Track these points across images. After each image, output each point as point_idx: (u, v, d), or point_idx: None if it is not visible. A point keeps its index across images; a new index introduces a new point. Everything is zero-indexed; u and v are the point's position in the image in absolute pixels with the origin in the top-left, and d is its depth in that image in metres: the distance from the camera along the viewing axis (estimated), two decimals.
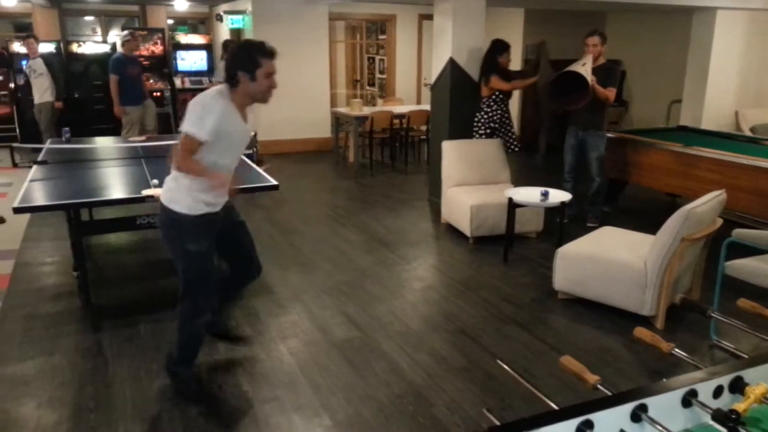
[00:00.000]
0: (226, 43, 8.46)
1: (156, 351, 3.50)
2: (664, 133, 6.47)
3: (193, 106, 2.70)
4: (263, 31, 9.19)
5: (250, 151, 5.19)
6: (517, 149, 6.19)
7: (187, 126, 2.69)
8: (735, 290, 3.64)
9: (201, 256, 2.93)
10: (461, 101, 6.26)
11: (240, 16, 9.74)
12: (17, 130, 9.55)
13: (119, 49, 10.48)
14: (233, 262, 3.30)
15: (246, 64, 2.72)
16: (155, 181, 4.02)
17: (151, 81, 10.40)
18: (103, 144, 5.75)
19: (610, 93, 5.46)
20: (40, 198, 3.79)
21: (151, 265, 4.89)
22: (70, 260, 4.67)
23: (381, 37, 11.58)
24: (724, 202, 3.99)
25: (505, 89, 5.95)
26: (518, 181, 6.07)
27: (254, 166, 4.74)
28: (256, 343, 3.60)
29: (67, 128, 5.65)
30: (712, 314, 1.89)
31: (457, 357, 3.48)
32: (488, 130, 6.02)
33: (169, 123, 10.46)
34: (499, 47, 5.96)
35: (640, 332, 1.73)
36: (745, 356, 1.59)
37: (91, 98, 10.06)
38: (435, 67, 6.48)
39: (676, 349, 1.62)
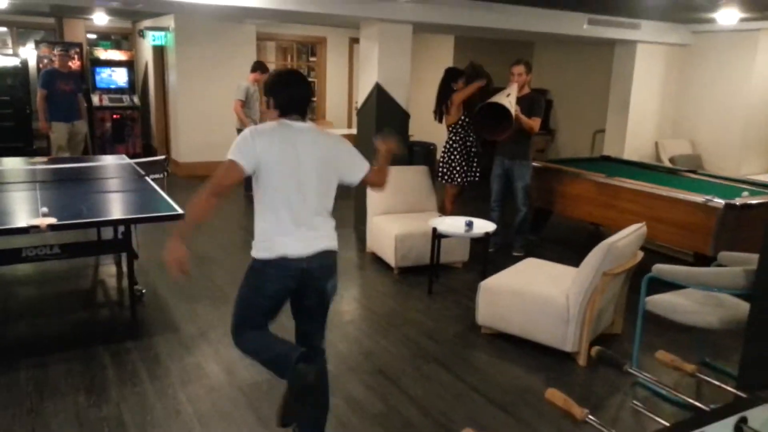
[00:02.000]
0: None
1: (38, 401, 3.11)
2: (588, 162, 6.52)
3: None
4: (186, 49, 8.86)
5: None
6: (477, 179, 6.01)
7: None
8: (659, 324, 3.61)
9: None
10: (387, 126, 6.09)
11: (162, 33, 9.35)
12: None
13: (32, 62, 9.95)
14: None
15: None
16: (44, 209, 3.66)
17: None
18: None
19: (535, 123, 5.44)
20: None
21: (44, 301, 4.45)
22: None
23: (312, 59, 11.41)
24: (645, 235, 3.97)
25: (459, 98, 5.78)
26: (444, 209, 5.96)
27: (161, 192, 4.41)
28: (151, 391, 3.26)
29: None
30: (629, 370, 1.75)
31: (374, 401, 3.26)
32: (460, 156, 5.84)
33: (84, 141, 9.89)
34: (453, 74, 5.87)
35: (552, 395, 1.56)
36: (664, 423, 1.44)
37: None
38: (362, 92, 6.33)
39: (590, 416, 1.45)
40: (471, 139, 5.84)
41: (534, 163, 5.91)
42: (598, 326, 3.89)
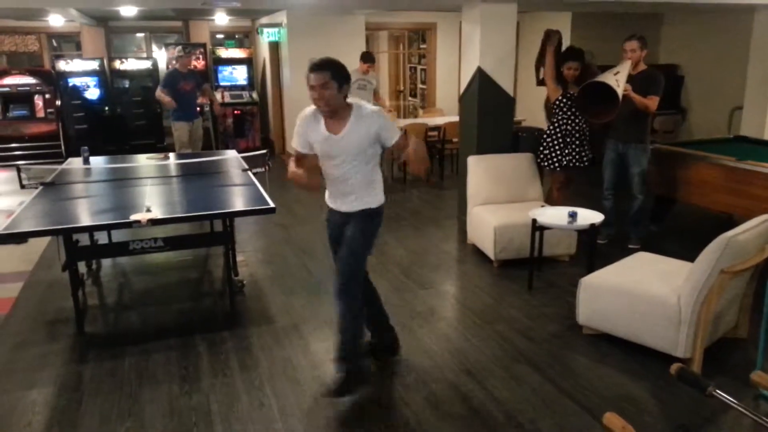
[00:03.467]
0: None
1: (137, 387, 3.29)
2: (718, 144, 5.86)
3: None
4: (298, 43, 9.06)
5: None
6: (587, 163, 5.50)
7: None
8: None
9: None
10: (490, 113, 5.86)
11: (276, 29, 9.65)
12: (62, 147, 9.77)
13: (162, 65, 10.67)
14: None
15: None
16: (148, 205, 3.87)
17: None
18: (114, 164, 5.61)
19: (651, 102, 4.96)
20: (27, 223, 3.68)
21: (153, 291, 4.73)
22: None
23: (422, 46, 11.27)
24: None
25: (546, 73, 5.41)
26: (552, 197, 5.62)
27: (258, 186, 4.50)
28: (239, 382, 3.34)
29: (86, 147, 5.59)
30: (714, 393, 1.49)
31: (456, 402, 3.11)
32: (556, 140, 5.43)
33: (209, 138, 10.49)
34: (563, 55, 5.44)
35: (610, 421, 1.35)
36: None
37: (131, 114, 10.20)
38: (464, 77, 6.12)
39: None
40: (575, 120, 5.36)
41: (653, 147, 5.41)
42: (716, 330, 3.47)
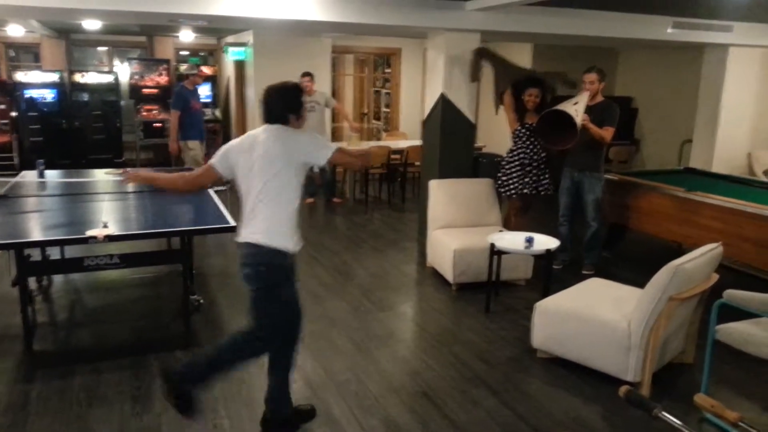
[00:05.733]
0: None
1: (87, 407, 3.21)
2: (669, 175, 6.09)
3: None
4: (264, 63, 9.09)
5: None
6: (550, 191, 5.62)
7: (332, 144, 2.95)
8: (737, 354, 3.24)
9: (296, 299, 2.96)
10: (452, 138, 5.98)
11: (242, 48, 9.65)
12: (16, 159, 9.52)
13: (123, 78, 10.54)
14: None
15: (296, 105, 2.89)
16: (105, 221, 3.80)
17: (154, 112, 10.35)
18: (70, 178, 5.49)
19: (607, 133, 5.13)
20: None
21: (107, 308, 4.62)
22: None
23: (387, 70, 11.42)
24: (721, 255, 3.62)
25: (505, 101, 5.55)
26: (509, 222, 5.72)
27: (218, 204, 4.48)
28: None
29: (41, 160, 5.47)
30: (660, 415, 1.54)
31: (413, 425, 3.12)
32: (514, 167, 5.53)
33: (167, 154, 10.36)
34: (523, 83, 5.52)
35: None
36: None
37: (90, 128, 10.02)
38: (427, 102, 6.23)
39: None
40: (534, 149, 5.50)
41: (607, 176, 5.58)
42: (664, 355, 3.58)
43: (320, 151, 2.84)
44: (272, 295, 2.83)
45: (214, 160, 2.93)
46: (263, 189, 2.76)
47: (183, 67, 7.87)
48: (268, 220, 2.77)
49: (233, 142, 2.96)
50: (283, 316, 2.90)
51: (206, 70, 10.97)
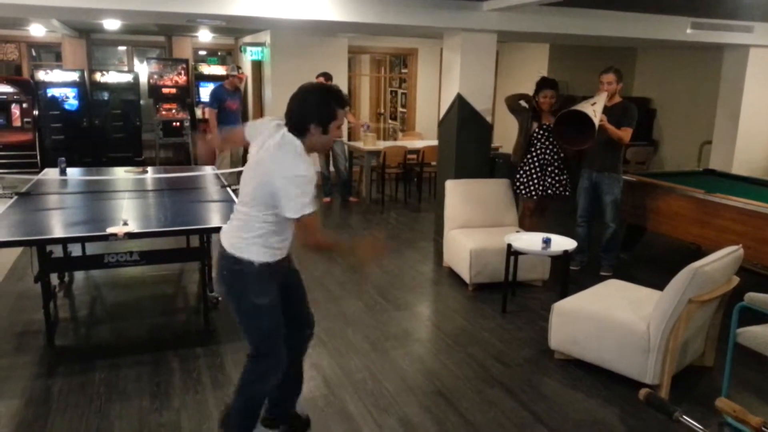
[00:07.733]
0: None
1: (107, 402, 3.25)
2: (688, 176, 6.03)
3: (308, 182, 2.39)
4: (281, 63, 9.14)
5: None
6: (568, 192, 5.61)
7: (310, 207, 2.40)
8: (759, 357, 3.21)
9: (271, 309, 2.61)
10: (469, 139, 5.97)
11: (259, 48, 9.71)
12: (38, 157, 9.65)
13: (143, 78, 10.64)
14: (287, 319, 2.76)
15: (323, 115, 2.45)
16: (125, 218, 3.85)
17: (173, 111, 10.45)
18: (90, 176, 5.56)
19: (625, 134, 5.10)
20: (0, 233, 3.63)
21: (126, 305, 4.68)
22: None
23: (403, 71, 11.43)
24: (741, 258, 3.58)
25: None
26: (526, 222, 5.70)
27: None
28: (211, 399, 3.31)
29: (62, 158, 5.54)
30: (680, 418, 1.54)
31: (428, 425, 3.13)
32: (534, 169, 5.51)
33: (187, 153, 10.46)
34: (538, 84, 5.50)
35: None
36: None
37: (110, 127, 10.14)
38: (443, 103, 6.23)
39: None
40: (553, 150, 5.48)
41: (625, 177, 5.55)
42: (683, 358, 3.55)
43: (293, 201, 2.36)
44: (243, 304, 2.61)
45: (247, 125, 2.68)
46: (243, 192, 2.52)
47: (230, 68, 8.00)
48: (237, 229, 2.53)
49: (258, 121, 2.67)
50: (259, 325, 2.63)
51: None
